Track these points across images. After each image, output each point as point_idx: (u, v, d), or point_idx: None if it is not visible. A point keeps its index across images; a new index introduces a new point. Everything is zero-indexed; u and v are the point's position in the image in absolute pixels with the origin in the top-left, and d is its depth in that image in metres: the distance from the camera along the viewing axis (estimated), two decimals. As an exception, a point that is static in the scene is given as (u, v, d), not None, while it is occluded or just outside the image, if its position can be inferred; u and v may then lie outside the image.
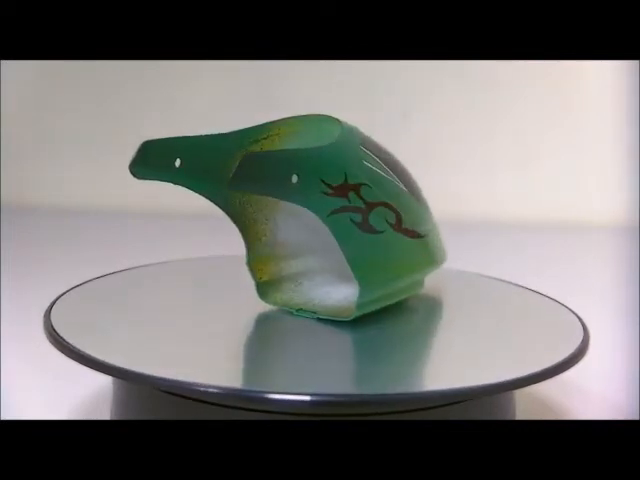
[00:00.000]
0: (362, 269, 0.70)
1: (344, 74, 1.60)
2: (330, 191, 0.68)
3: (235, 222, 0.74)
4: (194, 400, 0.63)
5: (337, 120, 0.71)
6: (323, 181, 0.68)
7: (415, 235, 0.72)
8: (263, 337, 0.72)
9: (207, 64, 1.56)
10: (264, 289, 0.75)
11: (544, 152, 1.61)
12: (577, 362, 0.67)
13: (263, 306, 0.75)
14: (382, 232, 0.70)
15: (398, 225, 0.71)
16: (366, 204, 0.69)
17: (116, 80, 1.63)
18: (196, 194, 0.72)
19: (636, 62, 1.47)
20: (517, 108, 1.61)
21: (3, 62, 1.55)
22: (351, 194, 0.69)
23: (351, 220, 0.69)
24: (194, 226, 1.46)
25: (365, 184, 0.69)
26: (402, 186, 0.72)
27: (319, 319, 0.71)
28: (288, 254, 0.75)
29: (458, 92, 1.62)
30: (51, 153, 1.63)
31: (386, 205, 0.70)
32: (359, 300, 0.70)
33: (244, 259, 0.75)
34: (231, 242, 0.80)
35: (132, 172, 0.70)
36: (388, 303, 0.73)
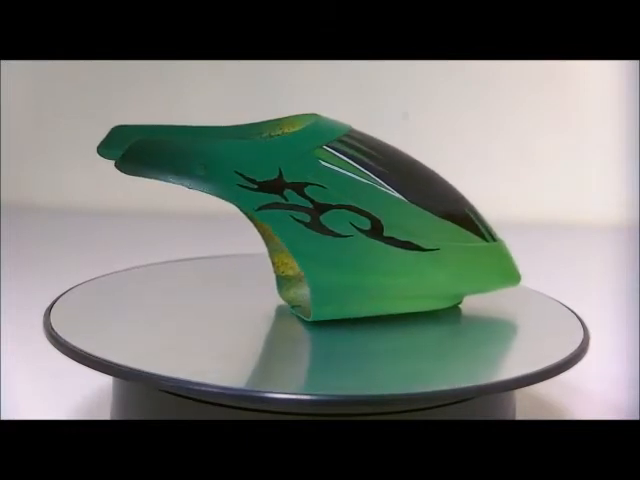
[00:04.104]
0: (313, 270, 0.69)
1: (344, 74, 1.60)
2: (253, 186, 0.68)
3: (246, 214, 0.73)
4: (194, 400, 0.63)
5: (317, 117, 0.71)
6: (242, 175, 0.68)
7: (410, 246, 0.70)
8: (264, 337, 0.72)
9: (208, 64, 1.56)
10: (284, 283, 0.74)
11: (544, 152, 1.61)
12: (577, 362, 0.67)
13: (264, 306, 0.74)
14: (348, 236, 0.69)
15: (375, 232, 0.69)
16: (315, 204, 0.68)
17: (117, 80, 1.63)
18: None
19: (636, 62, 1.47)
20: (517, 108, 1.61)
21: (3, 62, 1.55)
22: (288, 192, 0.68)
23: (294, 218, 0.68)
24: (194, 226, 1.46)
25: (313, 184, 0.68)
26: (396, 194, 0.69)
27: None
28: None
29: (458, 92, 1.62)
30: (51, 153, 1.63)
31: (351, 208, 0.69)
32: (314, 301, 0.69)
33: (244, 259, 0.75)
34: (231, 242, 0.80)
35: (98, 152, 0.71)
36: (372, 313, 0.71)
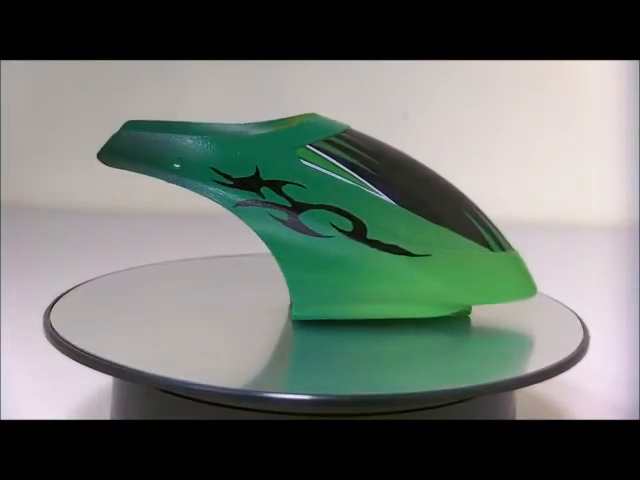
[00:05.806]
0: (291, 268, 0.69)
1: (344, 74, 1.60)
2: (229, 182, 0.68)
3: None
4: (194, 400, 0.63)
5: (313, 117, 0.71)
6: (217, 171, 0.68)
7: (397, 251, 0.68)
8: (263, 337, 0.72)
9: (208, 64, 1.56)
10: None
11: (544, 152, 1.61)
12: (577, 362, 0.67)
13: (264, 306, 0.74)
14: (328, 237, 0.69)
15: (357, 234, 0.68)
16: (294, 203, 0.68)
17: (117, 80, 1.63)
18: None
19: (636, 62, 1.47)
20: (517, 108, 1.61)
21: (3, 62, 1.55)
22: (265, 189, 0.68)
23: (272, 216, 0.68)
24: (194, 226, 1.46)
25: (292, 182, 0.68)
26: (383, 197, 0.68)
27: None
28: None
29: (458, 92, 1.62)
30: (51, 153, 1.63)
31: (331, 209, 0.68)
32: (293, 299, 0.70)
33: (244, 259, 0.75)
34: (232, 242, 0.80)
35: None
36: (359, 316, 0.70)
